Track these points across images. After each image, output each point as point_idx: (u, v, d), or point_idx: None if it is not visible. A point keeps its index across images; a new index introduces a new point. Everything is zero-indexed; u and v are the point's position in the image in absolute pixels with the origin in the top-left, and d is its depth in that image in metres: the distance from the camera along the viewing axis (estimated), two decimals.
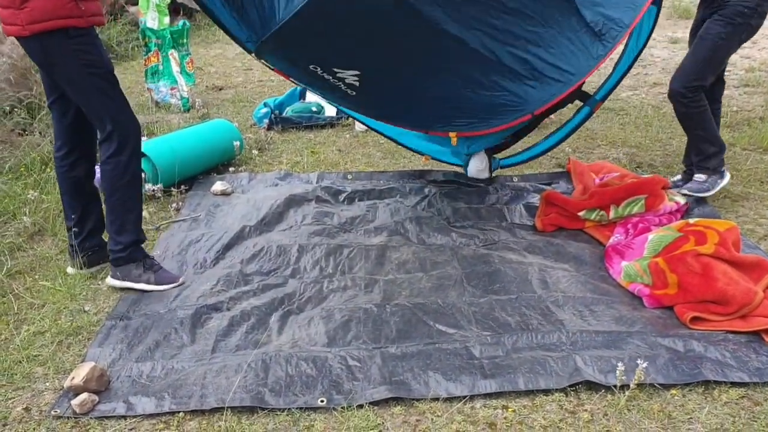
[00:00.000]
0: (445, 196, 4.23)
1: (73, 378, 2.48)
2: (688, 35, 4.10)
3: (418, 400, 2.49)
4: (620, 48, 3.90)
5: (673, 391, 2.52)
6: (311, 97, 5.98)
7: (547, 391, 2.53)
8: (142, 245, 3.25)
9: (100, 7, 2.93)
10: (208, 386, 2.54)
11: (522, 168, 4.77)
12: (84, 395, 2.44)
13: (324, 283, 3.28)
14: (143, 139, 4.89)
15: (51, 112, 3.17)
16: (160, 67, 6.11)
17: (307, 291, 3.22)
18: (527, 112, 3.70)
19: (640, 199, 3.74)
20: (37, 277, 3.36)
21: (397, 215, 4.00)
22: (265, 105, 5.76)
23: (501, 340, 2.80)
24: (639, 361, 2.49)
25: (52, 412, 2.44)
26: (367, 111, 4.17)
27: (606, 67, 3.85)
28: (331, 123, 5.71)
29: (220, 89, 6.93)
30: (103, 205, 3.21)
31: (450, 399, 2.50)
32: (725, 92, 4.31)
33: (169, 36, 6.10)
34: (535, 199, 4.16)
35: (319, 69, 3.21)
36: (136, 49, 8.07)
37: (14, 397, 2.55)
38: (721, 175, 4.01)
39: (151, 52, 6.09)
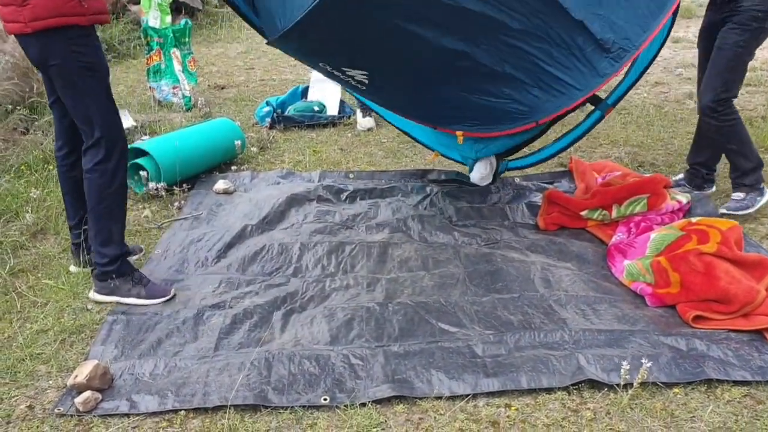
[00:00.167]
0: (447, 195, 4.23)
1: (76, 376, 2.48)
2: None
3: (420, 398, 2.49)
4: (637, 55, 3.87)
5: (676, 390, 2.52)
6: (313, 96, 5.98)
7: (549, 390, 2.53)
8: (128, 258, 3.19)
9: (105, 4, 2.92)
10: (211, 384, 2.54)
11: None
12: (87, 393, 2.45)
13: (326, 282, 3.28)
14: (145, 138, 4.91)
15: (52, 112, 3.16)
16: (163, 66, 6.11)
17: (309, 290, 3.22)
18: (532, 120, 3.70)
19: (642, 199, 3.74)
20: (39, 275, 3.36)
21: (399, 214, 4.00)
22: (267, 104, 5.76)
23: (504, 339, 2.81)
24: (643, 360, 2.49)
25: (56, 410, 2.44)
26: (378, 102, 4.25)
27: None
28: (333, 122, 5.71)
29: (222, 88, 6.93)
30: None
31: (453, 397, 2.50)
32: None
33: (171, 35, 6.10)
34: (537, 198, 4.16)
35: (328, 66, 3.25)
36: (138, 47, 8.08)
37: (17, 395, 2.55)
38: (761, 192, 3.90)
39: (153, 51, 6.09)
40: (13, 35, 2.87)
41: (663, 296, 3.06)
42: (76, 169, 3.14)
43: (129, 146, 4.26)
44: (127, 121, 5.29)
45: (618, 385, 2.51)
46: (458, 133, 3.93)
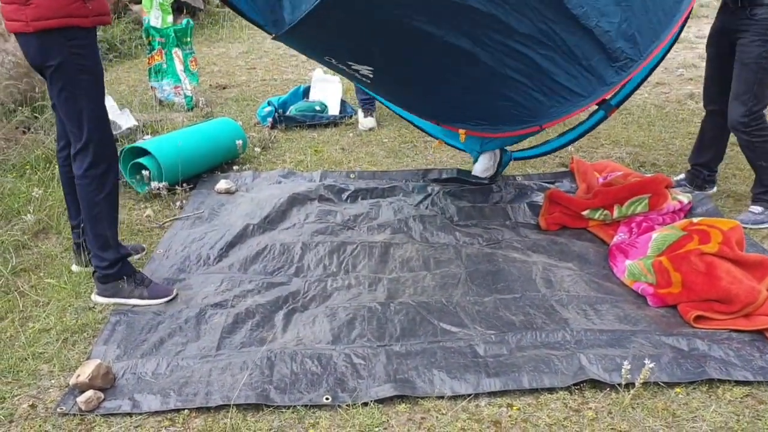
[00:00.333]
0: (449, 194, 4.23)
1: (79, 375, 2.49)
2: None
3: (422, 398, 2.50)
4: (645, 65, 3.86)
5: (678, 390, 2.53)
6: (315, 96, 5.98)
7: (551, 390, 2.54)
8: (128, 259, 3.19)
9: (107, 5, 2.92)
10: (213, 383, 2.55)
11: (525, 167, 4.78)
12: (89, 392, 2.45)
13: (328, 282, 3.28)
14: (147, 137, 4.92)
15: (54, 113, 3.15)
16: (164, 66, 6.12)
17: (311, 289, 3.22)
18: (536, 124, 3.70)
19: (643, 199, 3.74)
20: (42, 274, 3.37)
21: (401, 214, 4.01)
22: (269, 104, 5.77)
23: (505, 339, 2.81)
24: (645, 360, 2.49)
25: (58, 410, 2.44)
26: (383, 96, 4.28)
27: None
28: (334, 122, 5.72)
29: (224, 88, 6.93)
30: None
31: (454, 397, 2.51)
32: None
33: (173, 34, 6.10)
34: (538, 197, 4.16)
35: (334, 60, 3.25)
36: (139, 47, 8.08)
37: (20, 394, 2.55)
38: None
39: (155, 51, 6.10)
40: (14, 34, 2.86)
41: (664, 296, 3.06)
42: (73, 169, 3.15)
43: (131, 145, 4.31)
44: (129, 120, 5.29)
45: (620, 384, 2.52)
46: (461, 131, 3.93)
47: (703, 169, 4.21)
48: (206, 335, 2.88)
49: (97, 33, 2.98)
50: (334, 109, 5.85)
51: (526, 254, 3.53)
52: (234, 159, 4.88)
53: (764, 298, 2.89)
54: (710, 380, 2.56)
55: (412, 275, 3.34)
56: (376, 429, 2.37)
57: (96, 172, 2.95)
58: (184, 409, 2.45)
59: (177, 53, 6.14)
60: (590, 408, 2.45)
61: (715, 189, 4.25)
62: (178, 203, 4.17)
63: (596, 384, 2.55)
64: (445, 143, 4.59)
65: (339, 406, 2.46)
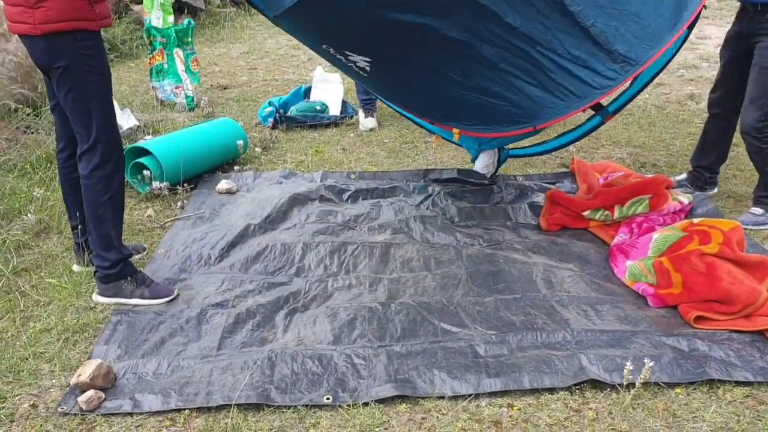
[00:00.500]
0: (449, 195, 4.24)
1: (80, 375, 2.49)
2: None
3: (423, 398, 2.50)
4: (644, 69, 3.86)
5: (678, 390, 2.53)
6: (316, 97, 5.99)
7: (552, 390, 2.54)
8: (129, 259, 3.19)
9: (109, 8, 2.93)
10: (214, 383, 2.55)
11: (526, 167, 4.78)
12: (90, 392, 2.46)
13: (329, 282, 3.29)
14: (148, 137, 4.92)
15: (53, 115, 3.15)
16: (165, 66, 6.12)
17: (312, 289, 3.23)
18: (530, 125, 3.70)
19: (644, 199, 3.74)
20: (43, 274, 3.37)
21: (401, 214, 4.01)
22: (270, 104, 5.77)
23: (506, 339, 2.81)
24: (645, 360, 2.50)
25: (59, 409, 2.45)
26: (378, 91, 4.26)
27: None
28: (335, 122, 5.72)
29: (225, 88, 6.94)
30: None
31: (455, 397, 2.51)
32: None
33: (174, 35, 6.10)
34: (539, 198, 4.17)
35: (331, 49, 3.23)
36: (140, 47, 8.08)
37: (21, 394, 2.56)
38: None
39: (156, 51, 6.10)
40: (17, 35, 2.86)
41: (665, 297, 3.06)
42: (78, 170, 3.15)
43: (132, 145, 4.32)
44: (130, 120, 5.29)
45: (620, 385, 2.52)
46: (455, 130, 3.92)
47: (704, 171, 4.22)
48: (207, 335, 2.88)
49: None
50: (335, 110, 5.85)
51: (527, 255, 3.53)
52: (235, 159, 4.88)
53: (765, 298, 2.90)
54: (711, 381, 2.57)
55: (413, 275, 3.35)
56: (377, 429, 2.37)
57: (103, 172, 2.95)
58: (184, 409, 2.45)
59: (178, 53, 6.14)
60: (591, 408, 2.45)
61: (716, 190, 4.26)
62: (179, 203, 4.18)
63: (597, 384, 2.55)
64: (443, 139, 4.58)
65: (340, 406, 2.46)
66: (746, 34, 3.75)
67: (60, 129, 3.14)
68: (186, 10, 9.51)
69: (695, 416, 2.41)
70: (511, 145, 4.48)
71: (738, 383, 2.56)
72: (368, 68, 3.31)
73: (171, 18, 6.22)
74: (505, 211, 4.06)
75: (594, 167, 4.40)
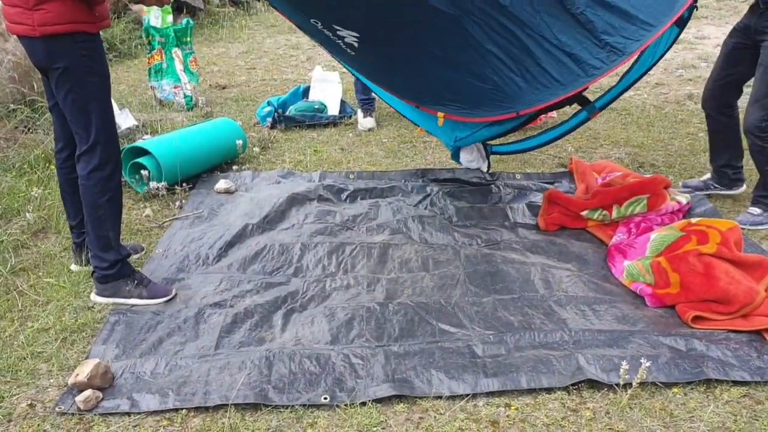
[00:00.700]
0: (448, 195, 4.24)
1: (77, 375, 2.49)
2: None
3: (420, 398, 2.51)
4: (630, 61, 3.85)
5: (675, 390, 2.53)
6: (314, 96, 5.99)
7: (549, 390, 2.54)
8: (127, 259, 3.19)
9: (108, 10, 2.93)
10: (211, 383, 2.55)
11: (524, 167, 4.79)
12: (88, 392, 2.46)
13: (327, 282, 3.29)
14: (146, 137, 4.92)
15: (52, 115, 3.14)
16: (164, 66, 6.12)
17: (309, 289, 3.23)
18: (513, 110, 3.68)
19: (642, 199, 3.74)
20: (41, 274, 3.37)
21: (400, 215, 4.01)
22: (269, 104, 5.77)
23: (503, 339, 2.82)
24: (642, 360, 2.50)
25: (56, 409, 2.45)
26: (363, 72, 4.19)
27: (613, 75, 3.76)
28: (334, 122, 5.72)
29: (224, 88, 6.94)
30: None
31: (453, 397, 2.51)
32: None
33: (173, 34, 6.10)
34: (537, 198, 4.17)
35: (319, 23, 3.19)
36: (139, 47, 8.08)
37: (18, 394, 2.56)
38: None
39: (155, 51, 6.10)
40: (15, 35, 2.86)
41: (663, 297, 3.07)
42: (77, 170, 3.14)
43: (130, 145, 4.32)
44: (129, 120, 5.29)
45: (617, 385, 2.52)
46: (439, 114, 3.90)
47: (726, 169, 4.16)
48: (205, 335, 2.88)
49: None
50: (333, 109, 5.85)
51: (525, 255, 3.53)
52: (233, 159, 4.88)
53: (762, 298, 2.90)
54: (708, 380, 2.57)
55: (411, 276, 3.35)
56: (374, 429, 2.37)
57: (102, 173, 2.95)
58: (182, 409, 2.45)
59: (177, 53, 6.14)
60: (588, 408, 2.46)
61: (743, 188, 4.21)
62: (177, 203, 4.18)
63: (594, 384, 2.56)
64: (427, 132, 4.56)
65: (337, 405, 2.47)
66: (753, 30, 3.75)
67: (58, 129, 3.13)
68: (185, 10, 9.51)
69: (692, 416, 2.42)
70: (495, 141, 4.46)
71: (735, 383, 2.57)
72: (356, 44, 3.26)
73: (170, 18, 6.22)
74: (503, 210, 4.06)
75: (592, 167, 4.40)
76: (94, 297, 3.13)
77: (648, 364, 2.49)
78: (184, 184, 4.30)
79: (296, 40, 9.06)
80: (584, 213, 3.81)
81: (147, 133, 5.18)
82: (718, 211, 3.99)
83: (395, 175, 4.61)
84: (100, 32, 2.92)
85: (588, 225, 3.83)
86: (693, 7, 3.37)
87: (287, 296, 3.16)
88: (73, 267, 3.38)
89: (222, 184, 4.35)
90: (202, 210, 4.07)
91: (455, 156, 4.38)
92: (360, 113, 5.65)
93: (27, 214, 3.83)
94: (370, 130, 5.55)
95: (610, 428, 2.37)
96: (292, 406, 2.46)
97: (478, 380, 2.57)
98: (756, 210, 3.85)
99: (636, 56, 3.46)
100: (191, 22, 6.33)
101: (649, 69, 3.86)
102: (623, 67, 3.61)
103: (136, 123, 5.33)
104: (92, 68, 2.84)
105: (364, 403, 2.47)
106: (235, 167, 4.80)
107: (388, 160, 4.94)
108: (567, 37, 3.27)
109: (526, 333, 2.85)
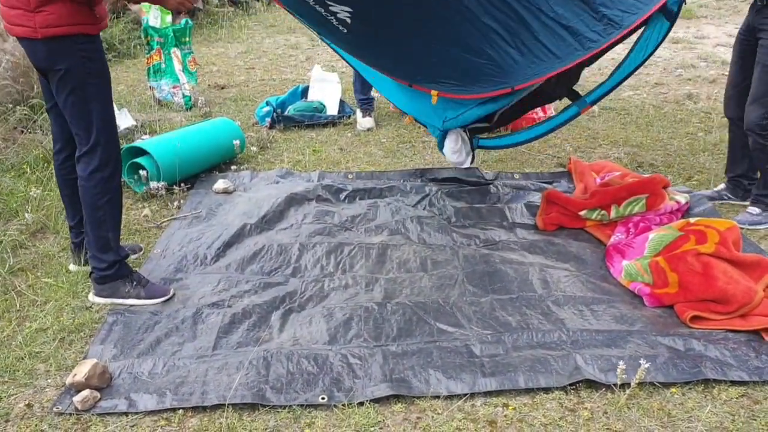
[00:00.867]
0: (446, 195, 4.24)
1: (75, 375, 2.49)
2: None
3: (418, 397, 2.50)
4: (623, 54, 3.84)
5: (673, 390, 2.53)
6: (313, 96, 5.99)
7: (547, 390, 2.54)
8: (126, 260, 3.19)
9: (106, 10, 2.93)
10: (209, 383, 2.55)
11: (523, 167, 4.79)
12: (86, 392, 2.45)
13: (325, 282, 3.28)
14: (145, 137, 4.92)
15: (50, 117, 3.13)
16: (163, 66, 6.12)
17: (308, 289, 3.23)
18: (508, 86, 3.65)
19: (641, 199, 3.74)
20: (39, 274, 3.37)
21: (398, 214, 4.01)
22: (267, 103, 5.77)
23: (501, 339, 2.81)
24: (641, 360, 2.50)
25: (54, 409, 2.45)
26: (356, 52, 4.11)
27: (604, 69, 3.76)
28: (332, 122, 5.72)
29: (222, 88, 6.94)
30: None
31: (450, 397, 2.51)
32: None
33: (172, 34, 6.10)
34: (536, 198, 4.16)
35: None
36: (138, 47, 8.08)
37: (16, 394, 2.56)
38: None
39: (154, 51, 6.10)
40: (14, 36, 2.86)
41: (661, 296, 3.06)
42: (76, 170, 3.14)
43: (129, 145, 4.31)
44: (127, 120, 5.29)
45: (615, 385, 2.52)
46: (433, 92, 3.87)
47: (742, 179, 4.11)
48: (203, 335, 2.88)
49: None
50: (332, 109, 5.85)
51: (523, 255, 3.53)
52: (232, 159, 4.88)
53: (760, 298, 2.90)
54: (706, 380, 2.57)
55: (409, 276, 3.35)
56: (372, 429, 2.37)
57: (102, 175, 2.95)
58: (179, 409, 2.45)
59: (176, 53, 6.14)
60: (586, 408, 2.46)
61: None
62: (175, 203, 4.17)
63: (592, 384, 2.55)
64: (414, 120, 4.54)
65: (335, 405, 2.46)
66: (752, 28, 3.74)
67: (57, 131, 3.13)
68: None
69: (690, 416, 2.41)
70: (483, 135, 4.43)
71: (733, 383, 2.56)
72: (348, 20, 3.20)
73: (169, 18, 6.21)
74: (501, 211, 4.06)
75: (591, 167, 4.40)
76: (92, 297, 3.13)
77: (646, 364, 2.49)
78: (182, 184, 4.30)
79: (295, 40, 9.06)
80: (583, 213, 3.81)
81: (146, 133, 5.18)
82: (716, 210, 3.98)
83: (394, 174, 4.60)
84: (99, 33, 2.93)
85: (586, 225, 3.83)
86: (682, 1, 3.39)
87: (285, 296, 3.16)
88: (72, 267, 3.37)
89: (220, 184, 4.35)
90: (200, 210, 4.07)
91: (440, 144, 4.30)
92: (359, 113, 5.65)
93: (26, 215, 3.83)
94: (369, 130, 5.55)
95: (607, 428, 2.36)
96: (290, 406, 2.46)
97: (476, 380, 2.57)
98: (755, 210, 3.84)
99: (633, 28, 3.41)
100: (190, 22, 6.33)
101: (640, 65, 3.84)
102: (615, 58, 3.59)
103: (134, 123, 5.33)
104: (93, 69, 2.84)
105: (361, 403, 2.47)
106: (233, 167, 4.80)
107: (387, 160, 4.94)
108: (564, 10, 3.25)
109: (524, 333, 2.85)
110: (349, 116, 5.83)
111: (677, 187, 4.20)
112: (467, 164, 4.34)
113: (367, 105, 5.61)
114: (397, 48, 3.61)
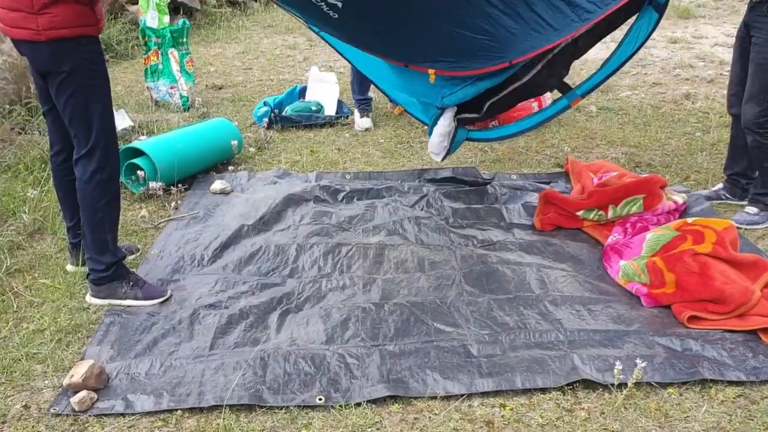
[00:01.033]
0: (444, 195, 4.24)
1: (72, 376, 2.49)
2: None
3: (415, 398, 2.50)
4: (612, 46, 3.83)
5: (671, 390, 2.53)
6: (311, 96, 5.98)
7: (544, 390, 2.54)
8: (123, 261, 3.19)
9: (102, 11, 2.94)
10: (206, 384, 2.55)
11: (520, 167, 4.79)
12: (83, 393, 2.45)
13: (322, 283, 3.28)
14: (142, 138, 4.91)
15: (46, 118, 3.13)
16: (160, 66, 6.11)
17: (305, 290, 3.22)
18: (505, 60, 3.62)
19: (638, 199, 3.74)
20: (36, 275, 3.37)
21: (396, 215, 4.00)
22: (265, 104, 5.76)
23: (499, 339, 2.82)
24: (638, 361, 2.50)
25: (51, 410, 2.44)
26: (347, 36, 4.00)
27: (596, 62, 3.75)
28: (330, 122, 5.71)
29: (220, 88, 6.93)
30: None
31: (447, 397, 2.51)
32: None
33: (169, 35, 6.09)
34: (533, 198, 4.16)
35: None
36: (135, 47, 8.07)
37: (13, 395, 2.55)
38: None
39: (151, 51, 6.09)
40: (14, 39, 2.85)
41: (658, 296, 3.07)
42: (73, 172, 3.13)
43: (126, 146, 4.31)
44: (125, 121, 5.28)
45: (612, 385, 2.52)
46: (430, 71, 3.83)
47: (740, 178, 4.10)
48: (200, 336, 2.88)
49: None
50: (330, 110, 5.85)
51: (521, 255, 3.53)
52: (229, 159, 4.88)
53: (757, 298, 2.90)
54: (703, 380, 2.57)
55: (407, 276, 3.35)
56: (369, 429, 2.37)
57: (101, 177, 2.95)
58: (176, 410, 2.45)
59: (173, 54, 6.13)
60: (583, 408, 2.46)
61: None
62: (173, 204, 4.17)
63: (589, 384, 2.56)
64: (407, 111, 4.50)
65: (332, 406, 2.46)
66: (748, 26, 3.74)
67: (53, 134, 3.12)
68: (182, 11, 9.50)
69: (687, 416, 2.42)
70: (472, 127, 4.40)
71: (730, 383, 2.57)
72: (339, 5, 3.16)
73: (166, 18, 6.20)
74: (499, 211, 4.06)
75: (588, 167, 4.40)
76: (90, 298, 3.12)
77: (643, 364, 2.49)
78: (179, 185, 4.30)
79: (293, 41, 9.05)
80: (580, 213, 3.81)
81: (143, 134, 5.18)
82: (714, 210, 3.98)
83: (392, 175, 4.60)
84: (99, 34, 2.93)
85: (584, 225, 3.83)
86: None
87: (282, 297, 3.16)
88: (69, 267, 3.37)
89: (218, 184, 4.35)
90: (197, 211, 4.07)
91: (431, 130, 4.19)
92: (357, 113, 5.65)
93: (23, 216, 3.82)
94: (366, 130, 5.55)
95: (605, 428, 2.36)
96: (287, 407, 2.46)
97: (473, 380, 2.57)
98: (753, 209, 3.84)
99: (626, 3, 3.42)
100: (188, 22, 6.32)
101: (630, 58, 3.85)
102: (605, 52, 3.59)
103: (132, 124, 5.32)
104: (95, 71, 2.86)
105: (359, 404, 2.47)
106: (231, 168, 4.80)
107: (385, 161, 4.94)
108: None
109: (521, 333, 2.85)
110: (347, 117, 5.83)
111: (675, 187, 4.20)
112: (439, 159, 4.22)
113: (364, 105, 5.61)
114: (392, 28, 3.54)
